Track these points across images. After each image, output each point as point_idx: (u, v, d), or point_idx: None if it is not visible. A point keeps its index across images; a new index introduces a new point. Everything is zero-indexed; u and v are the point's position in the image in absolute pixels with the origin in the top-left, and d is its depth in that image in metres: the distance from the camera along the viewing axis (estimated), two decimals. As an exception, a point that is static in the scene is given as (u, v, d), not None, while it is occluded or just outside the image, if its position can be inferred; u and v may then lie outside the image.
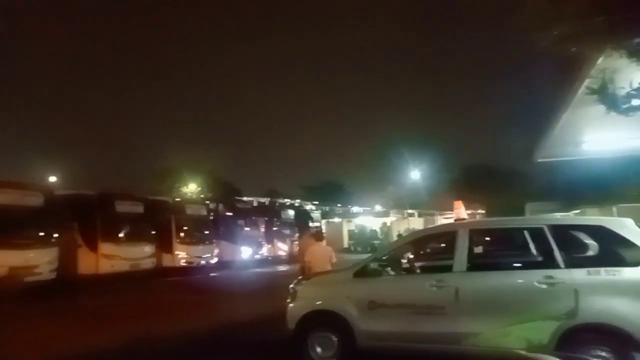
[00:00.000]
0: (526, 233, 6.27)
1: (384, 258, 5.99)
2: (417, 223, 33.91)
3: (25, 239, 12.36)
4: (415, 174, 39.64)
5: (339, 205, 48.35)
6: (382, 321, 5.37)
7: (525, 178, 33.53)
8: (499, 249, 7.97)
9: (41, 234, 12.82)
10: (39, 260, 12.30)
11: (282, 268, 22.08)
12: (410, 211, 40.06)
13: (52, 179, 32.63)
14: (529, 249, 6.33)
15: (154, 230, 16.92)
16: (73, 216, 14.64)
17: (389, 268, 5.79)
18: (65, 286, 12.86)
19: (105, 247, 15.01)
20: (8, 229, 11.88)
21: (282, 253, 25.06)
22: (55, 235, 13.10)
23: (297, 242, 22.73)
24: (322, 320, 5.76)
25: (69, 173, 35.86)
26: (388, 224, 37.27)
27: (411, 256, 6.36)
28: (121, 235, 15.71)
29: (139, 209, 16.74)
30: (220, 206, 23.08)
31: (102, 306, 11.09)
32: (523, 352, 3.46)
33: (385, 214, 39.72)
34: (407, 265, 6.14)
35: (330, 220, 39.00)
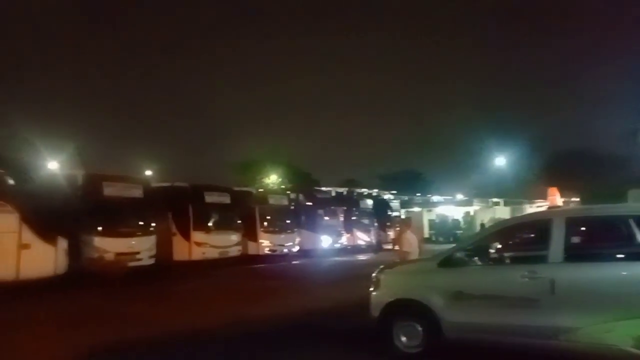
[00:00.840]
0: (631, 222, 5.74)
1: (470, 247, 5.80)
2: (503, 212, 32.22)
3: (128, 227, 13.59)
4: (501, 161, 37.64)
5: (418, 194, 47.42)
6: (470, 312, 5.22)
7: (627, 162, 30.54)
8: (599, 239, 7.36)
9: (141, 223, 13.98)
10: (140, 247, 13.46)
11: (362, 257, 22.19)
12: (495, 200, 38.20)
13: (148, 172, 35.34)
14: (634, 238, 5.79)
15: (239, 220, 17.77)
16: (168, 206, 15.80)
17: (476, 258, 5.60)
18: (162, 271, 13.99)
19: (197, 236, 16.03)
20: (115, 218, 13.18)
21: (361, 242, 25.16)
22: (153, 224, 14.22)
23: (392, 231, 22.67)
24: (407, 309, 5.72)
25: (161, 166, 38.72)
26: (471, 213, 35.86)
27: (499, 246, 6.09)
28: (210, 224, 16.65)
29: (226, 199, 17.63)
30: (301, 196, 23.65)
31: (195, 290, 11.91)
32: (633, 350, 3.20)
33: (468, 203, 38.19)
34: (496, 255, 5.90)
35: (409, 209, 38.34)
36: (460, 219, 35.51)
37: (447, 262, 5.63)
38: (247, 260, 17.88)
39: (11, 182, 10.36)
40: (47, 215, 10.71)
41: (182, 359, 6.15)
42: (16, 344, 6.64)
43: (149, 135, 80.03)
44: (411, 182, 54.86)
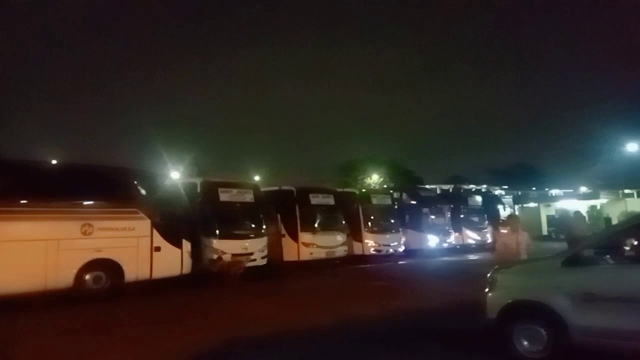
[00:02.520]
0: None
1: (600, 245, 5.23)
2: (636, 205, 28.50)
3: (242, 230, 14.47)
4: (633, 147, 33.36)
5: (533, 188, 43.95)
6: (603, 316, 4.70)
7: None
8: None
9: (253, 225, 14.81)
10: (253, 248, 14.25)
11: (473, 257, 21.16)
12: (627, 191, 33.97)
13: (257, 177, 37.37)
14: None
15: (344, 220, 17.99)
16: (277, 209, 16.54)
17: (608, 256, 5.03)
18: (274, 271, 14.67)
19: (304, 237, 16.55)
20: (230, 222, 14.15)
21: (471, 241, 24.00)
22: (264, 226, 14.99)
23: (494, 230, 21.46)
24: (527, 311, 5.33)
25: (267, 171, 40.72)
26: (598, 207, 32.27)
27: (635, 242, 5.41)
28: (316, 225, 17.08)
29: (331, 200, 17.96)
30: (404, 195, 23.25)
31: (309, 289, 12.29)
32: None
33: (594, 196, 34.42)
34: (632, 253, 5.24)
35: (524, 205, 35.67)
36: (585, 214, 32.09)
37: (572, 260, 5.14)
38: (354, 260, 18.03)
39: (143, 192, 11.60)
40: (173, 220, 11.84)
41: (303, 355, 6.36)
42: (158, 333, 7.43)
43: (256, 141, 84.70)
44: (524, 176, 51.12)
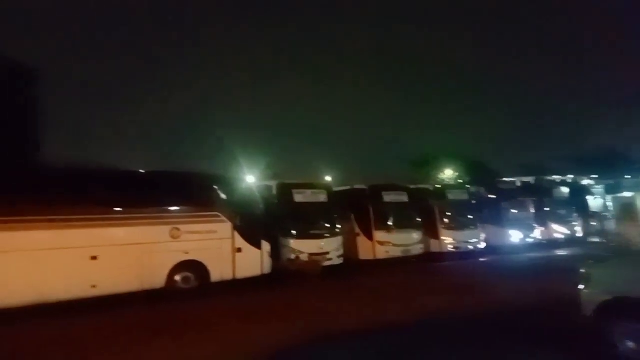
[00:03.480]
0: None
1: None
2: None
3: (318, 230, 14.72)
4: None
5: (627, 176, 40.33)
6: None
7: None
8: None
9: (328, 225, 15.00)
10: (329, 248, 14.44)
11: (561, 252, 19.86)
12: None
13: (328, 177, 37.71)
14: None
15: (419, 218, 17.64)
16: (350, 208, 16.61)
17: None
18: (351, 269, 14.75)
19: (379, 235, 16.43)
20: (306, 222, 14.46)
21: (558, 236, 22.51)
22: (339, 226, 15.12)
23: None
24: (631, 309, 4.92)
25: (339, 171, 40.93)
26: None
27: None
28: (391, 223, 16.90)
29: (404, 198, 17.69)
30: (482, 189, 22.32)
31: (383, 286, 12.23)
32: None
33: None
34: None
35: (616, 195, 32.83)
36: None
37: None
38: (431, 258, 17.63)
39: (223, 196, 12.19)
40: (252, 222, 12.33)
41: (383, 349, 6.37)
42: (249, 328, 7.79)
43: (327, 142, 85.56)
44: (615, 163, 46.99)
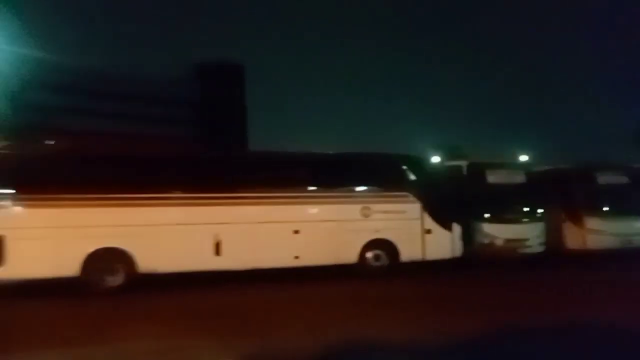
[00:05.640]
0: None
1: None
2: None
3: (514, 214, 13.55)
4: None
5: None
6: None
7: None
8: None
9: (527, 209, 13.68)
10: (528, 234, 13.19)
11: None
12: None
13: (523, 157, 34.28)
14: None
15: (645, 203, 14.69)
16: (554, 191, 14.77)
17: None
18: (554, 259, 13.20)
19: (590, 222, 14.24)
20: (500, 205, 13.42)
21: None
22: (540, 210, 13.64)
23: None
24: None
25: (535, 150, 36.79)
26: None
27: None
28: (606, 209, 14.53)
29: (623, 179, 14.97)
30: None
31: (595, 282, 10.58)
32: None
33: None
34: None
35: None
36: None
37: None
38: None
39: (412, 176, 12.13)
40: (442, 204, 12.00)
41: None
42: (437, 312, 7.66)
43: (520, 119, 78.16)
44: None
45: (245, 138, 62.80)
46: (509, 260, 12.62)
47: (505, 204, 13.46)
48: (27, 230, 9.44)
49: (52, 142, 10.50)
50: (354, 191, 11.83)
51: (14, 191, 9.69)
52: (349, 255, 11.35)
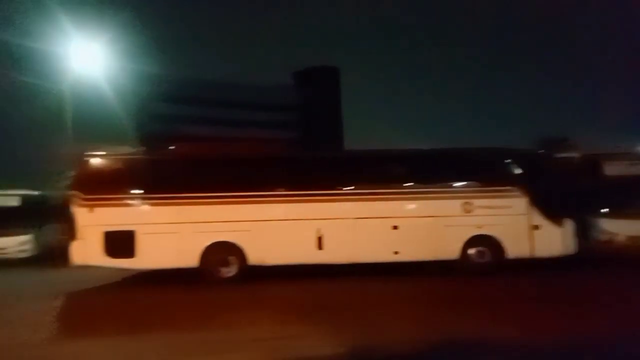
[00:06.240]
0: None
1: None
2: None
3: (637, 208, 12.25)
4: None
5: None
6: None
7: None
8: None
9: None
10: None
11: None
12: None
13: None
14: None
15: None
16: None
17: None
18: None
19: None
20: (622, 199, 12.23)
21: None
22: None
23: None
24: None
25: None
26: None
27: None
28: None
29: None
30: None
31: None
32: None
33: None
34: None
35: None
36: None
37: None
38: None
39: (517, 170, 11.51)
40: (551, 198, 11.19)
41: None
42: (548, 312, 7.28)
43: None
44: None
45: (341, 137, 64.31)
46: (632, 258, 11.40)
47: (625, 198, 12.22)
48: (154, 225, 10.73)
49: (173, 148, 11.63)
50: (455, 186, 11.55)
51: (142, 191, 11.05)
52: (450, 251, 11.14)
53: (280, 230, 10.97)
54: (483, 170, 11.60)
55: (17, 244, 16.11)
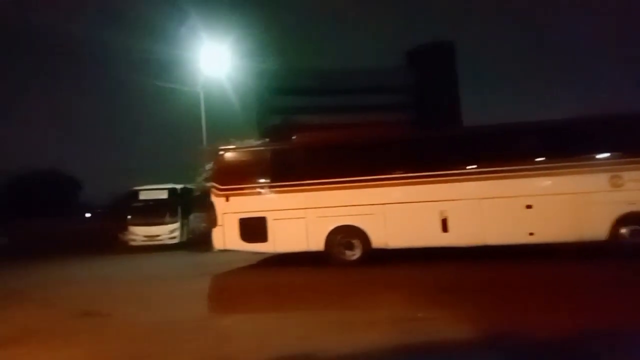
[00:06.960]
0: None
1: None
2: None
3: None
4: None
5: None
6: None
7: None
8: None
9: None
10: None
11: None
12: None
13: None
14: None
15: None
16: None
17: None
18: None
19: None
20: None
21: None
22: None
23: None
24: None
25: None
26: None
27: None
28: None
29: None
30: None
31: None
32: None
33: None
34: None
35: None
36: None
37: None
38: None
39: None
40: None
41: None
42: None
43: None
44: None
45: (459, 114, 61.23)
46: None
47: None
48: (282, 212, 11.32)
49: (295, 137, 12.07)
50: (599, 159, 10.25)
51: (270, 180, 11.71)
52: (597, 231, 9.95)
53: (404, 213, 10.82)
54: (635, 139, 10.13)
55: (167, 231, 18.53)
